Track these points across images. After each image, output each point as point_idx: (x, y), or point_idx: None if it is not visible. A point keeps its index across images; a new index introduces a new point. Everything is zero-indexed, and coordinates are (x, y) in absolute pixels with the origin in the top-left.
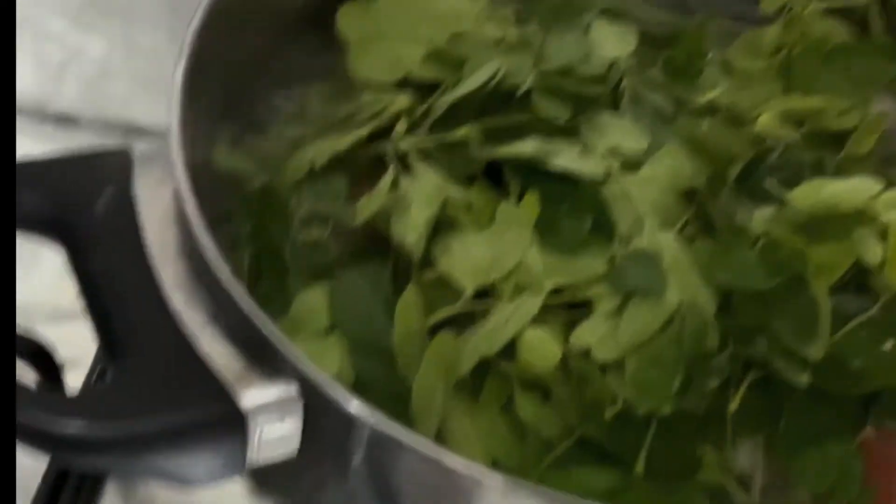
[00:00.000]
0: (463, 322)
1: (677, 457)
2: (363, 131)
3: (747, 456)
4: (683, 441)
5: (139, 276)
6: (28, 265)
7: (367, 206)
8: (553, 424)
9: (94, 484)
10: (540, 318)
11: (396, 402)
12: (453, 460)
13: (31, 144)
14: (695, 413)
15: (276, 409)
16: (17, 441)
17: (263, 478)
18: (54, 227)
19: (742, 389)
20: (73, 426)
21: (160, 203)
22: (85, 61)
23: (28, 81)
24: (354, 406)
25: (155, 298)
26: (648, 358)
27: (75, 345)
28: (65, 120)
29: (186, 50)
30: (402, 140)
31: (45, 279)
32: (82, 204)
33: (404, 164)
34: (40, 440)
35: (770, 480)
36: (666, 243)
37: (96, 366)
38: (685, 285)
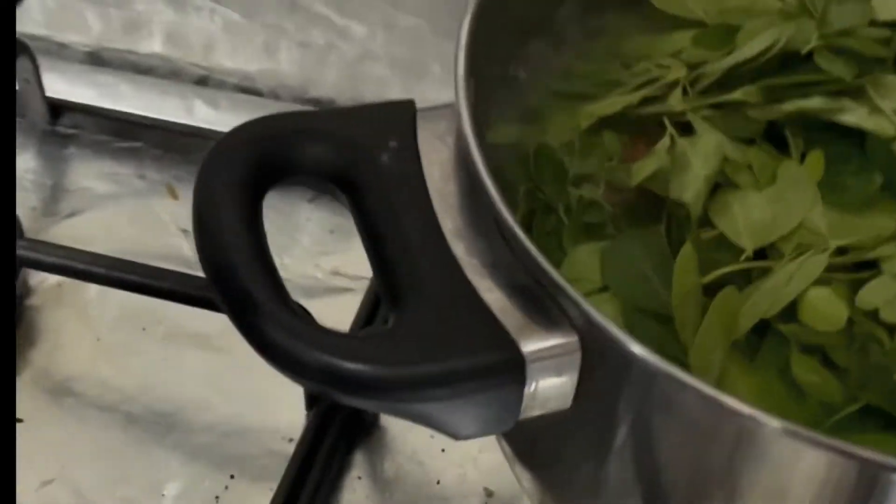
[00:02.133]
0: (739, 283)
1: None
2: (636, 96)
3: None
4: None
5: (422, 227)
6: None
7: (645, 166)
8: (834, 390)
9: (345, 453)
10: (824, 278)
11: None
12: (737, 403)
13: None
14: None
15: (556, 358)
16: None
17: (527, 441)
18: (339, 178)
19: None
20: (361, 369)
21: (442, 156)
22: (347, 45)
23: (292, 66)
24: (637, 349)
25: (437, 248)
26: None
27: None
28: (324, 103)
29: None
30: (681, 101)
31: (298, 255)
32: (367, 155)
33: (681, 126)
34: (327, 378)
35: None
36: None
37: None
38: None
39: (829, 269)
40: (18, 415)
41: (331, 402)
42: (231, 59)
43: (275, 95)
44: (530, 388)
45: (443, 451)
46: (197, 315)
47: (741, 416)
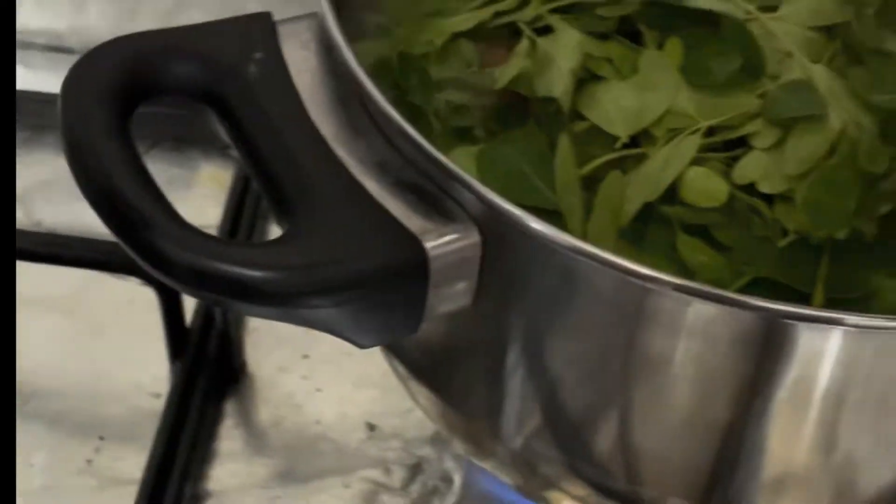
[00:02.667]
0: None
1: (853, 284)
2: (488, 11)
3: None
4: (857, 268)
5: (301, 134)
6: None
7: (508, 69)
8: (721, 267)
9: (217, 402)
10: (699, 158)
11: None
12: (645, 269)
13: None
14: (867, 238)
15: (457, 251)
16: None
17: (423, 353)
18: (208, 95)
19: None
20: (256, 274)
21: (309, 64)
22: None
23: (102, 20)
24: (537, 225)
25: (321, 153)
26: (820, 182)
27: None
28: None
29: None
30: (534, 8)
31: None
32: (234, 69)
33: (536, 33)
34: (229, 288)
35: None
36: (818, 73)
37: None
38: (845, 109)
39: (703, 149)
40: None
41: (195, 351)
42: (38, 18)
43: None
44: (434, 285)
45: (318, 390)
46: (41, 276)
47: (641, 278)
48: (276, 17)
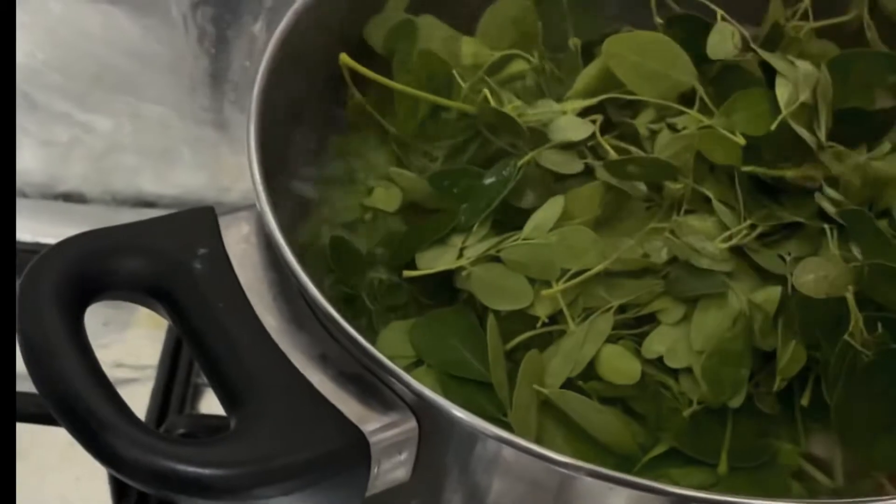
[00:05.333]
0: (539, 346)
1: (755, 450)
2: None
3: (823, 446)
4: (757, 435)
5: (245, 327)
6: None
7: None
8: (638, 435)
9: None
10: (613, 335)
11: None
12: (561, 456)
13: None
14: (765, 410)
15: (396, 435)
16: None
17: None
18: (156, 290)
19: (810, 385)
20: (211, 473)
21: (251, 258)
22: (92, 138)
23: (36, 163)
24: (460, 413)
25: (264, 346)
26: (717, 354)
27: None
28: (74, 196)
29: (254, 109)
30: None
31: None
32: (179, 265)
33: None
34: (180, 485)
35: (853, 465)
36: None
37: None
38: (747, 287)
39: (616, 326)
40: None
41: (138, 497)
42: None
43: (22, 194)
44: (375, 468)
45: None
46: None
47: (556, 464)
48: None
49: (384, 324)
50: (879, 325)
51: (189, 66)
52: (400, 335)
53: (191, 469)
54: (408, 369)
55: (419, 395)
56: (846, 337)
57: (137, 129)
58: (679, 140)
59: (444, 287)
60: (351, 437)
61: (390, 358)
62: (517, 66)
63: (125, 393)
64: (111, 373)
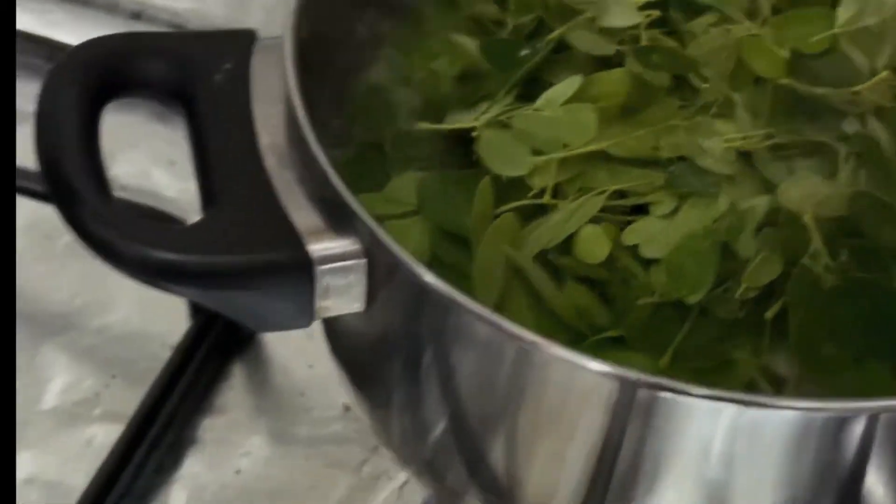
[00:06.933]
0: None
1: (707, 351)
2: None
3: (784, 365)
4: (715, 341)
5: (238, 139)
6: None
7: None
8: (599, 314)
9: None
10: (598, 217)
11: (467, 282)
12: (509, 325)
13: None
14: (722, 314)
15: (341, 261)
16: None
17: (338, 340)
18: (177, 94)
19: (780, 302)
20: (166, 257)
21: (271, 83)
22: None
23: (217, 6)
24: (409, 262)
25: (247, 157)
26: (685, 249)
27: None
28: None
29: None
30: None
31: None
32: (202, 74)
33: None
34: (140, 267)
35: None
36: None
37: None
38: (745, 194)
39: (607, 210)
40: None
41: (211, 313)
42: None
43: None
44: (320, 286)
45: (310, 367)
46: None
47: (488, 325)
48: None
49: (400, 171)
50: (845, 252)
51: None
52: (409, 184)
53: (135, 247)
54: (403, 216)
55: (369, 230)
56: (805, 260)
57: None
58: (715, 39)
59: (465, 152)
60: (295, 250)
61: (390, 200)
62: None
63: None
64: None
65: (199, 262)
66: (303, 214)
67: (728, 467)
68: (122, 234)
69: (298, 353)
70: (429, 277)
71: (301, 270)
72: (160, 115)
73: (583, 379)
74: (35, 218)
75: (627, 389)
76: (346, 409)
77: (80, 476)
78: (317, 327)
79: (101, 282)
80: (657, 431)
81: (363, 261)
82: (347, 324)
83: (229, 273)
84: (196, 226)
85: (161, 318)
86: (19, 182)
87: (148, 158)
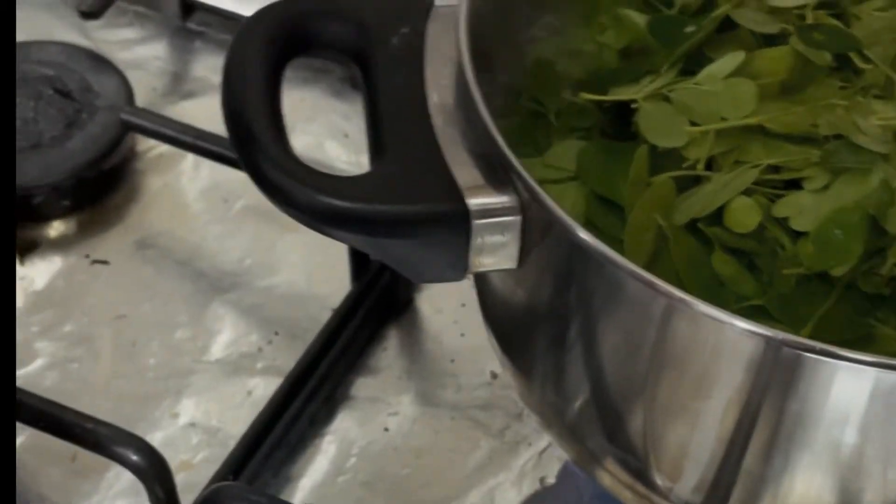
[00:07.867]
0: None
1: (848, 323)
2: None
3: None
4: (859, 314)
5: (412, 99)
6: None
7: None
8: (747, 283)
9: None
10: (751, 189)
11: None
12: (660, 282)
13: None
14: (868, 289)
15: (498, 216)
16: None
17: (489, 301)
18: (353, 53)
19: None
20: (335, 203)
21: (444, 48)
22: None
23: None
24: (565, 219)
25: (420, 117)
26: (834, 221)
27: None
28: None
29: None
30: None
31: None
32: (380, 36)
33: None
34: (309, 212)
35: None
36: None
37: None
38: (894, 172)
39: (760, 183)
40: (106, 258)
41: (370, 280)
42: None
43: None
44: (476, 240)
45: (462, 335)
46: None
47: (639, 282)
48: None
49: (562, 138)
50: None
51: None
52: (570, 151)
53: (305, 192)
54: (561, 181)
55: (528, 187)
56: None
57: None
58: (878, 20)
59: (625, 124)
60: (454, 203)
61: (550, 166)
62: None
63: None
64: None
65: (364, 210)
66: (464, 170)
67: (864, 432)
68: (296, 181)
69: (451, 322)
70: (583, 234)
71: (460, 222)
72: (337, 91)
73: (728, 338)
74: (215, 181)
75: (772, 349)
76: (494, 376)
77: (239, 424)
78: (470, 297)
79: (270, 245)
80: (798, 394)
81: (519, 217)
82: (499, 284)
83: (392, 222)
84: (364, 176)
85: (323, 282)
86: (205, 144)
87: (323, 131)
